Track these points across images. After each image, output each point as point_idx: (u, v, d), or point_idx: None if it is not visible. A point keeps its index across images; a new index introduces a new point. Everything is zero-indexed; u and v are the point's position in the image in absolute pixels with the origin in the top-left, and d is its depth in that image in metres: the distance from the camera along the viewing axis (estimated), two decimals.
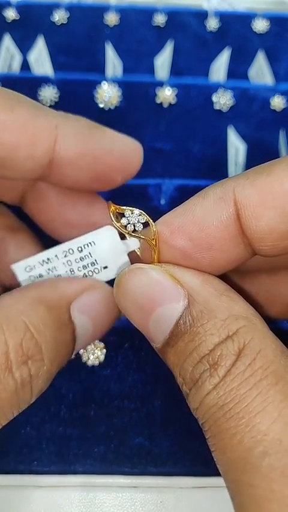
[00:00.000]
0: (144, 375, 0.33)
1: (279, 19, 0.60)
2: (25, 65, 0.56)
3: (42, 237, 0.30)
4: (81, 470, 0.31)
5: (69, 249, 0.25)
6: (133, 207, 0.23)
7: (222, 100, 0.50)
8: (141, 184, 0.42)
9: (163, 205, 0.41)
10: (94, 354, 0.32)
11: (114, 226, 0.23)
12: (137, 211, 0.23)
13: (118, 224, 0.23)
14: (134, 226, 0.23)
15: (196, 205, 0.21)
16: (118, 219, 0.23)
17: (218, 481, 0.30)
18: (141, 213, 0.23)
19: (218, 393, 0.18)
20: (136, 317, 0.21)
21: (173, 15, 0.60)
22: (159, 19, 0.59)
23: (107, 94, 0.49)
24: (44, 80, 0.49)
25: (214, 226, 0.20)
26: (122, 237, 0.25)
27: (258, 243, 0.20)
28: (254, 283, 0.29)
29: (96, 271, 0.26)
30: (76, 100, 0.49)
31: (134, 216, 0.23)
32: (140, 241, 0.24)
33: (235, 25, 0.60)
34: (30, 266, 0.26)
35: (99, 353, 0.32)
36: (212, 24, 0.60)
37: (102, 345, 0.32)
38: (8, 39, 0.57)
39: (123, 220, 0.23)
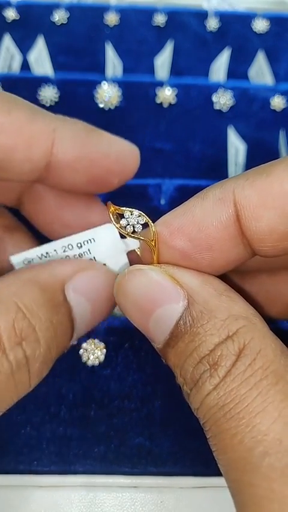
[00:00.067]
0: (144, 375, 0.33)
1: (279, 19, 0.60)
2: (25, 65, 0.56)
3: (40, 237, 0.30)
4: (82, 470, 0.31)
5: (68, 245, 0.25)
6: (133, 207, 0.23)
7: (222, 100, 0.50)
8: (141, 184, 0.42)
9: (163, 205, 0.42)
10: (94, 354, 0.32)
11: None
12: (136, 212, 0.23)
13: (118, 225, 0.23)
14: (134, 227, 0.23)
15: (196, 206, 0.21)
16: (118, 220, 0.23)
17: (218, 481, 0.30)
18: (140, 214, 0.23)
19: (219, 393, 0.18)
20: (136, 318, 0.21)
21: (173, 15, 0.60)
22: (159, 19, 0.59)
23: (107, 94, 0.49)
24: (44, 80, 0.49)
25: (214, 227, 0.20)
26: (122, 236, 0.25)
27: (258, 243, 0.20)
28: (254, 283, 0.29)
29: None
30: (76, 100, 0.49)
31: (134, 217, 0.23)
32: (139, 241, 0.24)
33: (235, 25, 0.60)
34: (28, 259, 0.26)
35: (99, 353, 0.32)
36: (212, 24, 0.60)
37: (102, 345, 0.32)
38: (8, 39, 0.57)
39: (123, 221, 0.23)
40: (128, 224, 0.23)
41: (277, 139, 0.50)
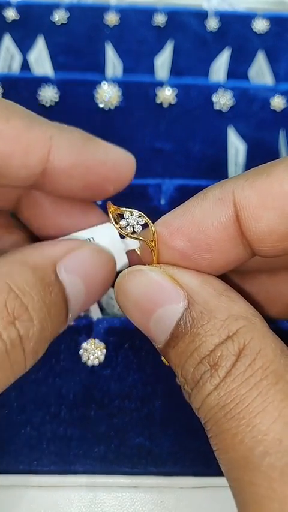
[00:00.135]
0: (144, 375, 0.33)
1: (279, 19, 0.60)
2: (25, 65, 0.56)
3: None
4: (82, 470, 0.31)
5: None
6: (133, 207, 0.23)
7: (222, 100, 0.50)
8: (141, 184, 0.42)
9: (163, 205, 0.42)
10: (94, 354, 0.32)
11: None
12: (136, 212, 0.23)
13: (117, 226, 0.23)
14: (133, 228, 0.23)
15: (195, 206, 0.21)
16: (118, 220, 0.23)
17: (218, 481, 0.30)
18: (140, 214, 0.23)
19: (219, 394, 0.18)
20: (137, 318, 0.21)
21: (173, 15, 0.60)
22: (159, 19, 0.59)
23: (107, 94, 0.49)
24: (44, 80, 0.49)
25: (213, 227, 0.20)
26: (122, 236, 0.25)
27: (258, 244, 0.20)
28: (254, 283, 0.29)
29: None
30: (76, 100, 0.50)
31: (134, 217, 0.23)
32: (139, 242, 0.24)
33: (235, 25, 0.60)
34: None
35: (99, 353, 0.32)
36: (212, 24, 0.60)
37: (102, 345, 0.32)
38: (8, 39, 0.57)
39: (123, 222, 0.23)
40: (128, 225, 0.23)
41: (277, 139, 0.50)
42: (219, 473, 0.19)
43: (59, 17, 0.59)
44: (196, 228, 0.20)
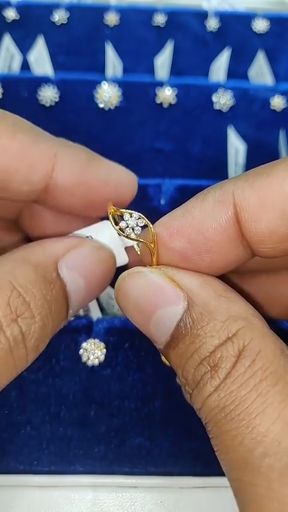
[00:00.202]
0: (144, 375, 0.33)
1: (279, 19, 0.60)
2: (25, 65, 0.56)
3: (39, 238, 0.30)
4: (82, 470, 0.31)
5: None
6: (132, 208, 0.23)
7: (222, 100, 0.50)
8: (141, 184, 0.41)
9: (163, 205, 0.42)
10: (94, 354, 0.32)
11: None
12: (136, 214, 0.23)
13: (117, 227, 0.23)
14: (133, 229, 0.23)
15: (195, 207, 0.21)
16: (117, 221, 0.23)
17: (218, 481, 0.30)
18: (140, 216, 0.23)
19: (219, 395, 0.18)
20: (137, 319, 0.21)
21: (173, 15, 0.60)
22: (159, 19, 0.59)
23: (107, 94, 0.49)
24: (44, 80, 0.49)
25: (213, 229, 0.20)
26: None
27: (258, 245, 0.20)
28: (254, 283, 0.29)
29: None
30: (76, 100, 0.50)
31: (133, 219, 0.23)
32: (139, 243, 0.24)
33: (235, 25, 0.60)
34: None
35: (99, 353, 0.32)
36: (212, 24, 0.60)
37: (102, 345, 0.32)
38: (8, 39, 0.57)
39: (122, 223, 0.23)
40: (128, 226, 0.23)
41: (277, 139, 0.50)
42: (219, 473, 0.19)
43: (59, 17, 0.59)
44: (196, 230, 0.20)
